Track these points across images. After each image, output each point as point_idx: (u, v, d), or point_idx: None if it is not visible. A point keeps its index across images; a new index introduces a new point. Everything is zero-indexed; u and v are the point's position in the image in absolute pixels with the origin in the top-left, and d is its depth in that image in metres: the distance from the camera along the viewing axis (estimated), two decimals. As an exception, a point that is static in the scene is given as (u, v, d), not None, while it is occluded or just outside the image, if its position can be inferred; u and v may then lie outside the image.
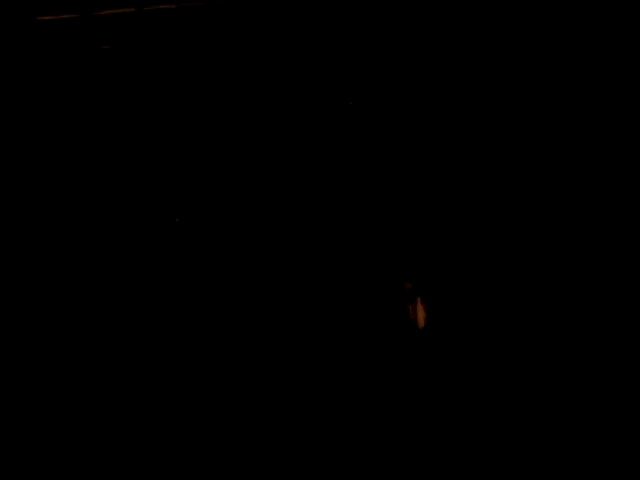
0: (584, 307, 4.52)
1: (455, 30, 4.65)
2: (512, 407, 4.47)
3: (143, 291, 4.83)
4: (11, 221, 4.81)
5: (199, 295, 4.81)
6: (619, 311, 4.44)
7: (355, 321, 4.89)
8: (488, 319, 4.71)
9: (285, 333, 4.78)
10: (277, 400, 4.64)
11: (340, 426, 4.59)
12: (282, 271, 4.85)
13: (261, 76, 4.81)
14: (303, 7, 4.68)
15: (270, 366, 4.70)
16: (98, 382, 4.67)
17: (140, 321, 4.76)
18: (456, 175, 4.77)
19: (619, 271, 4.47)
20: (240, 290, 4.80)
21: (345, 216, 4.93)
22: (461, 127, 4.73)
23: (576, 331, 4.50)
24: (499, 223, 4.73)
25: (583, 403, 4.37)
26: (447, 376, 4.70)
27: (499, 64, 4.59)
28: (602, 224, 4.49)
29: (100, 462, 4.46)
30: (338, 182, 4.86)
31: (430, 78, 4.72)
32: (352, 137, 4.80)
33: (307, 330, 4.83)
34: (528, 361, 4.55)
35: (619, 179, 4.46)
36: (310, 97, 4.81)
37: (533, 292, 4.64)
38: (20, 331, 4.67)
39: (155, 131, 4.86)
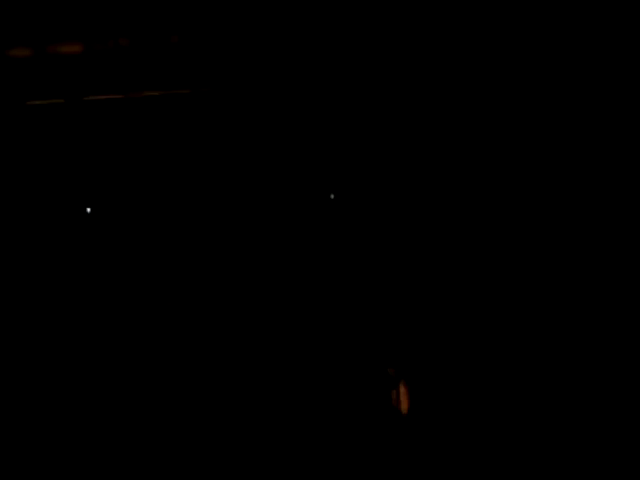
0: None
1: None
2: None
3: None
4: None
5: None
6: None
7: (340, 405, 4.84)
8: (470, 404, 4.65)
9: (265, 419, 4.74)
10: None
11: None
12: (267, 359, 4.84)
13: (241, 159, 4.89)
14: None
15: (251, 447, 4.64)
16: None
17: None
18: (437, 265, 4.77)
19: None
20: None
21: (330, 303, 4.93)
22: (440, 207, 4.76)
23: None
24: (482, 310, 4.70)
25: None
26: (430, 461, 4.62)
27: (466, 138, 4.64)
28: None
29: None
30: (318, 268, 4.87)
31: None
32: (334, 227, 4.84)
33: (291, 418, 4.79)
34: (511, 449, 4.48)
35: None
36: (288, 182, 4.86)
37: (513, 377, 4.59)
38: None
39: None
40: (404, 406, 4.87)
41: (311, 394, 4.87)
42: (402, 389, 4.92)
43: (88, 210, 5.06)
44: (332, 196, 4.87)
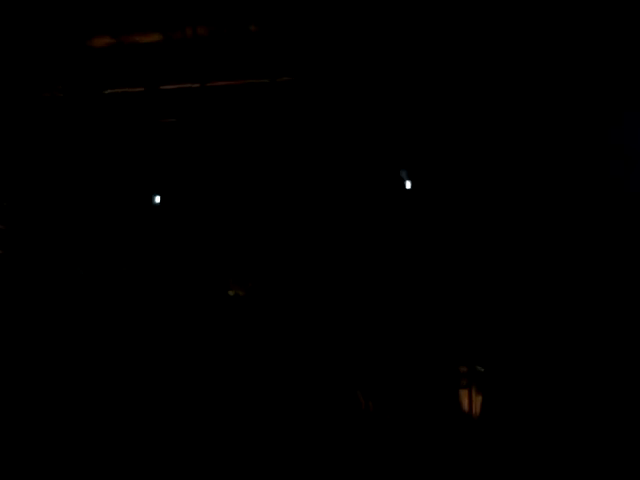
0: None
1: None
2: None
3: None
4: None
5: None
6: None
7: (408, 405, 4.79)
8: (549, 409, 4.53)
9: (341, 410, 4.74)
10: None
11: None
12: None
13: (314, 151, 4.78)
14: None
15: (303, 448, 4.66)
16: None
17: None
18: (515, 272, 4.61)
19: None
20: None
21: (403, 296, 4.85)
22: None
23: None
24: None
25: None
26: (501, 468, 4.54)
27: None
28: None
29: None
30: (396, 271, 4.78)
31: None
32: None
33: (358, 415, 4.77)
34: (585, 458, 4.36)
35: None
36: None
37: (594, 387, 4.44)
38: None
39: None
40: (476, 409, 4.78)
41: (378, 391, 4.84)
42: (474, 390, 4.83)
43: (157, 199, 5.07)
44: (409, 185, 4.73)
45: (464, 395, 4.83)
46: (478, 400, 4.78)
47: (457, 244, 4.75)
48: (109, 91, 4.72)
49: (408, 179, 4.71)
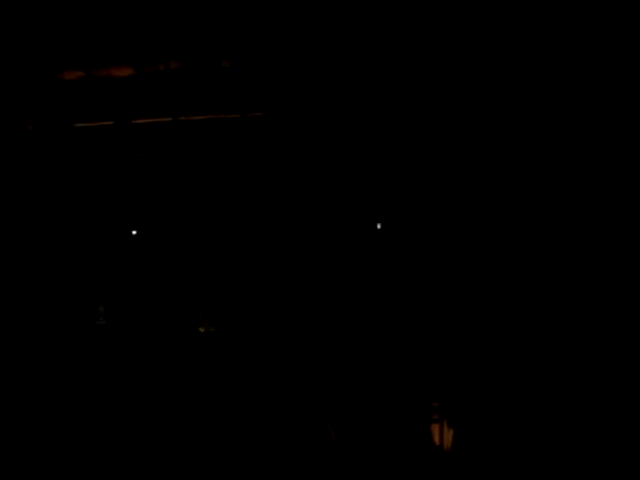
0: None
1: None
2: None
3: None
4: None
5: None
6: None
7: (380, 437, 4.75)
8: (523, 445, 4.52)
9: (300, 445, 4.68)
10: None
11: None
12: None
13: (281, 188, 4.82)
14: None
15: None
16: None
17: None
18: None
19: None
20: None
21: (375, 331, 4.85)
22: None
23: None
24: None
25: None
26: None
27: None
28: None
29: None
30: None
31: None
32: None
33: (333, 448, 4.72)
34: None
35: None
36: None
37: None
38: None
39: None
40: (447, 443, 4.76)
41: (349, 425, 4.80)
42: (446, 424, 4.81)
43: (134, 232, 5.04)
44: (379, 226, 4.78)
45: (435, 429, 4.81)
46: (450, 434, 4.76)
47: (434, 272, 4.79)
48: (80, 125, 4.72)
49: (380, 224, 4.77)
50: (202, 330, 5.01)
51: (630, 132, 4.40)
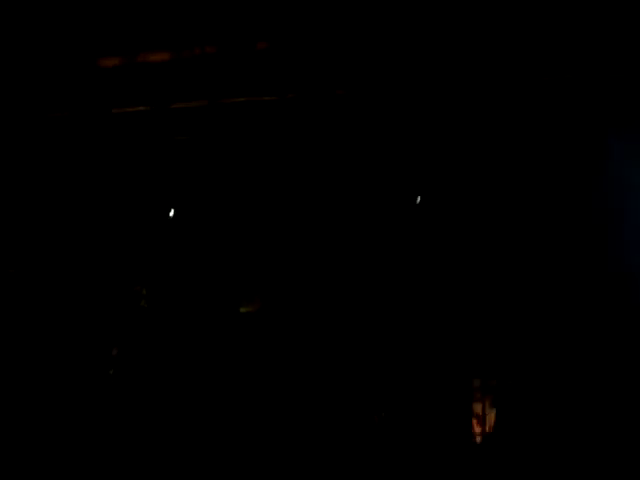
0: None
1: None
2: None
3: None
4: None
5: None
6: None
7: (419, 419, 4.77)
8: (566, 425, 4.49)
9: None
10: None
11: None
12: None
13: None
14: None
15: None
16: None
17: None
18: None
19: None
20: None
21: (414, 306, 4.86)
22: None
23: None
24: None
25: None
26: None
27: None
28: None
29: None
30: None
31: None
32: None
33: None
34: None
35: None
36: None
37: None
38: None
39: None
40: (489, 422, 4.76)
41: (390, 404, 4.82)
42: (488, 403, 4.81)
43: (171, 213, 5.08)
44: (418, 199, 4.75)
45: (477, 408, 4.81)
46: (492, 414, 4.76)
47: (467, 255, 4.75)
48: (117, 110, 4.74)
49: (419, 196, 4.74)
50: (243, 310, 5.06)
51: None
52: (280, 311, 4.96)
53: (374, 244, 4.82)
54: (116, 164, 4.99)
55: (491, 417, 4.76)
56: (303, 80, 4.58)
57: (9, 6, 4.35)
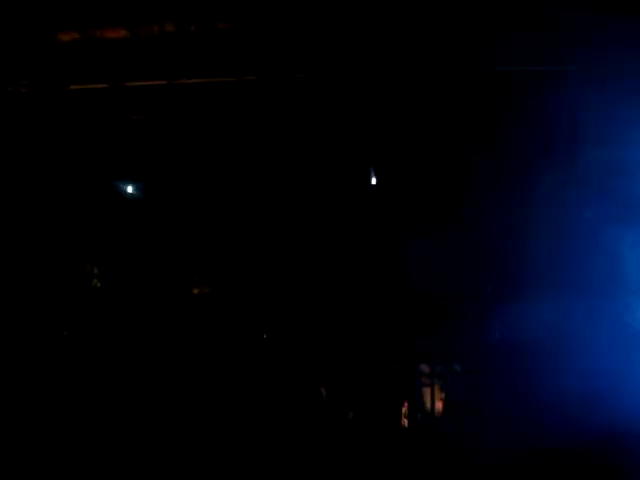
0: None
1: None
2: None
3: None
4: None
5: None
6: None
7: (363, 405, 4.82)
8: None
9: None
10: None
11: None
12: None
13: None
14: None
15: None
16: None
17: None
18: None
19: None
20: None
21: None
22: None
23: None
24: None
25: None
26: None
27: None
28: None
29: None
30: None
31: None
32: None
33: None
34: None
35: None
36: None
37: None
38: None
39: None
40: (438, 406, 4.84)
41: (340, 387, 4.86)
42: (437, 388, 4.88)
43: (129, 191, 5.04)
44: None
45: (426, 393, 4.89)
46: (439, 397, 4.84)
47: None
48: (74, 87, 4.69)
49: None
50: (196, 292, 5.05)
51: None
52: (234, 293, 4.97)
53: (329, 226, 4.85)
54: (71, 141, 4.93)
55: (439, 400, 4.85)
56: (262, 62, 4.58)
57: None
